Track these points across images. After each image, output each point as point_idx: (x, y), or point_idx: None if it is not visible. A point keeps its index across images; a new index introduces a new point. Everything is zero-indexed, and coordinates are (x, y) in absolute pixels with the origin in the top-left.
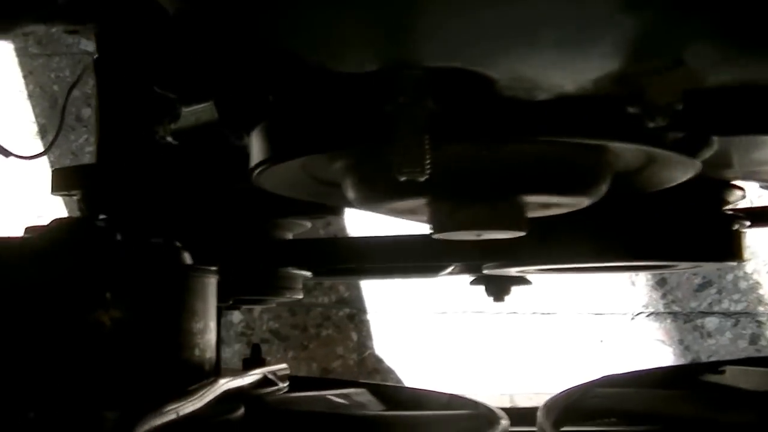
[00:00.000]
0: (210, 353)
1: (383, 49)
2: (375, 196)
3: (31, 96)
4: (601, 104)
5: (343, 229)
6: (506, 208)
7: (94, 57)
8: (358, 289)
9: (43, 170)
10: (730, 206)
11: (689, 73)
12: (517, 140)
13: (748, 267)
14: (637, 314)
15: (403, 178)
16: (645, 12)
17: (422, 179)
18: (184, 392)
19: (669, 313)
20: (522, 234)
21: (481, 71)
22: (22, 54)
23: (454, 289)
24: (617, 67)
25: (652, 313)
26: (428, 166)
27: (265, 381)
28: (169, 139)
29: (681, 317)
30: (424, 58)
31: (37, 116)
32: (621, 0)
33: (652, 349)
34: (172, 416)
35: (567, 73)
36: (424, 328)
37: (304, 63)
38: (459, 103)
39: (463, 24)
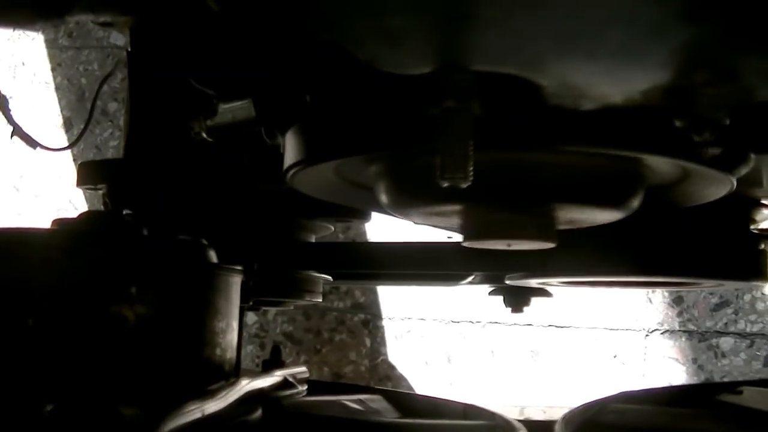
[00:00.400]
0: (230, 353)
1: (439, 50)
2: (409, 201)
3: (58, 88)
4: (645, 117)
5: (362, 233)
6: (538, 218)
7: (127, 50)
8: (374, 294)
9: (66, 163)
10: (757, 225)
11: (742, 87)
12: (560, 150)
13: (766, 288)
14: (652, 331)
15: (445, 184)
16: (704, 24)
17: (464, 185)
18: (206, 391)
19: (684, 331)
20: (551, 246)
21: (530, 77)
22: (51, 46)
23: (469, 298)
24: (669, 78)
25: (666, 331)
26: (471, 173)
27: (284, 383)
28: (204, 135)
29: (696, 336)
30: (477, 62)
31: (62, 109)
32: (681, 10)
33: (666, 367)
34: (197, 415)
35: (617, 83)
36: (437, 336)
37: (351, 60)
38: (504, 109)
39: (521, 27)
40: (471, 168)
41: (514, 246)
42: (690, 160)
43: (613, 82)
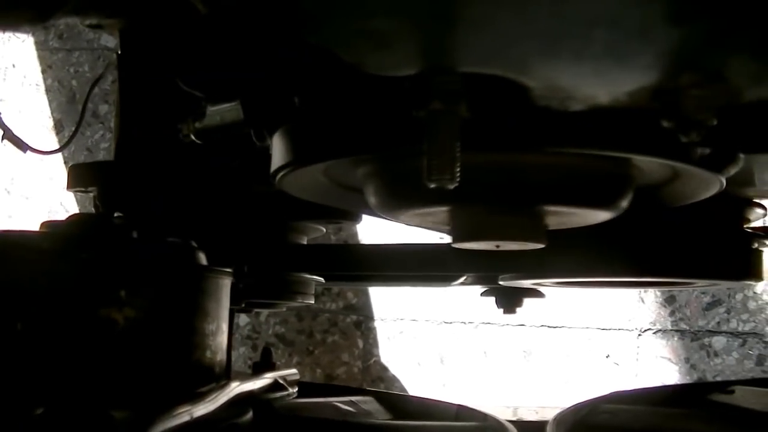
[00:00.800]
0: (221, 355)
1: (424, 52)
2: (397, 203)
3: (48, 90)
4: (633, 117)
5: (354, 235)
6: (527, 219)
7: (117, 53)
8: (366, 295)
9: (57, 165)
10: (750, 224)
11: (728, 88)
12: (549, 151)
13: (758, 287)
14: (645, 331)
15: (432, 186)
16: (691, 25)
17: (451, 187)
18: (195, 394)
19: (676, 330)
20: (540, 246)
21: (517, 79)
22: (42, 48)
23: (462, 299)
24: (655, 79)
25: (659, 331)
26: (458, 174)
27: (275, 386)
28: (193, 137)
29: (688, 335)
30: (463, 64)
31: (53, 111)
32: (667, 12)
33: (658, 366)
34: (185, 418)
35: (604, 84)
36: (430, 337)
37: (337, 62)
38: (491, 111)
39: (506, 28)
40: (458, 169)
41: (503, 247)
42: (678, 161)
43: (599, 84)
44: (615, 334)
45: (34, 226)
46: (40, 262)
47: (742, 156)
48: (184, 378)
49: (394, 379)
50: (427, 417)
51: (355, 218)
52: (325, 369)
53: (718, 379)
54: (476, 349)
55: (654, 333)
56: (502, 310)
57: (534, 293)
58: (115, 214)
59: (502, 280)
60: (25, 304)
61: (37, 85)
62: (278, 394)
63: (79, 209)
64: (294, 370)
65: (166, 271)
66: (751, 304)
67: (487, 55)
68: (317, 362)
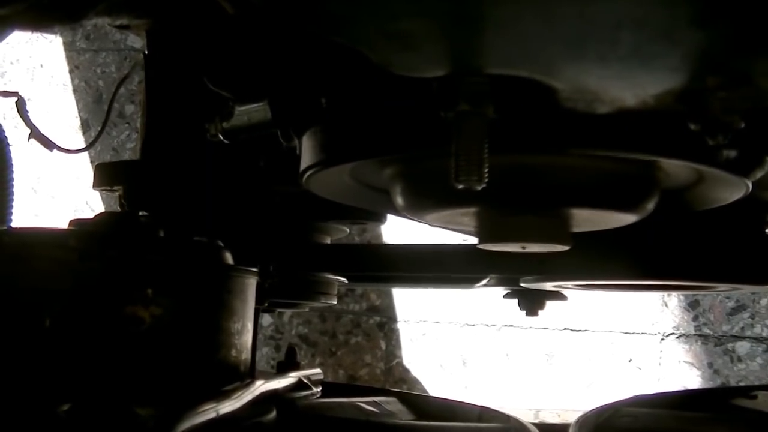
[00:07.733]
0: (246, 354)
1: (452, 54)
2: (424, 204)
3: (75, 90)
4: (659, 120)
5: (378, 236)
6: (553, 220)
7: (144, 53)
8: (389, 297)
9: (83, 164)
10: None
11: (755, 90)
12: (575, 153)
13: None
14: (668, 335)
15: (460, 186)
16: (716, 27)
17: (479, 188)
18: (221, 392)
19: (700, 335)
20: (566, 248)
21: (544, 80)
22: (69, 48)
23: (484, 301)
24: (682, 82)
25: (682, 335)
26: (486, 175)
27: (299, 385)
28: (220, 137)
29: (712, 340)
30: (490, 66)
31: (80, 111)
32: (692, 14)
33: (681, 371)
34: (211, 415)
35: (630, 86)
36: (452, 339)
37: (365, 63)
38: (518, 113)
39: (532, 31)
40: (486, 170)
41: (529, 248)
42: (704, 163)
43: (625, 86)
44: (638, 338)
45: (61, 225)
46: (68, 259)
47: None
48: (209, 376)
49: (416, 381)
50: (451, 418)
51: (380, 219)
52: (347, 370)
53: (742, 384)
54: (499, 352)
55: (677, 338)
56: (524, 312)
57: (556, 296)
58: (141, 213)
59: (525, 282)
60: (53, 301)
61: (64, 85)
62: (302, 394)
63: (105, 208)
64: (318, 370)
65: (193, 269)
66: None
67: (514, 57)
68: (340, 363)
